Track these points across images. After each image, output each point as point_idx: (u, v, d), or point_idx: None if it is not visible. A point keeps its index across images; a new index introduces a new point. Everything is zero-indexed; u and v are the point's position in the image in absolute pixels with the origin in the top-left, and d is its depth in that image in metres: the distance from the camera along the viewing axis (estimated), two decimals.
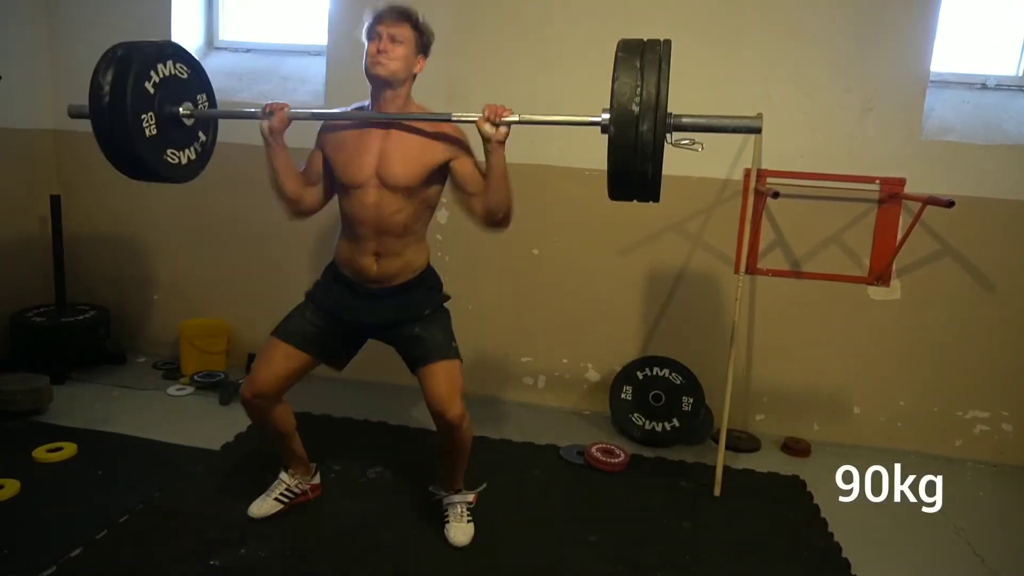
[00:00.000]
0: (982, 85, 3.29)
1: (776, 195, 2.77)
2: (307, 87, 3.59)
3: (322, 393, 3.21)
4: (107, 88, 1.91)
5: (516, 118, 2.00)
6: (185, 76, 2.14)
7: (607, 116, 1.75)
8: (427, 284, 2.27)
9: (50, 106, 3.75)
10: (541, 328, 3.53)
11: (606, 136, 1.76)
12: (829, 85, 3.11)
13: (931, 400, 3.28)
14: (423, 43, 2.11)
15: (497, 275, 3.51)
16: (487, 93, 3.28)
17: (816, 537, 2.51)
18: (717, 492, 2.73)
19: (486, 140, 2.03)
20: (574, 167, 3.34)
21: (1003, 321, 3.18)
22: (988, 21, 3.29)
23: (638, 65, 1.69)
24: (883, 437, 3.32)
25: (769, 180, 3.12)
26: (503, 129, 2.02)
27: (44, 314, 3.53)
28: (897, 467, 2.91)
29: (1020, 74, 3.28)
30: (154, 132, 2.02)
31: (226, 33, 3.87)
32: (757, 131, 1.88)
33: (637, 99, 1.67)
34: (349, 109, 2.20)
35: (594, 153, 3.33)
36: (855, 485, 2.86)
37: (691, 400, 3.22)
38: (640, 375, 3.30)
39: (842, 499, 2.79)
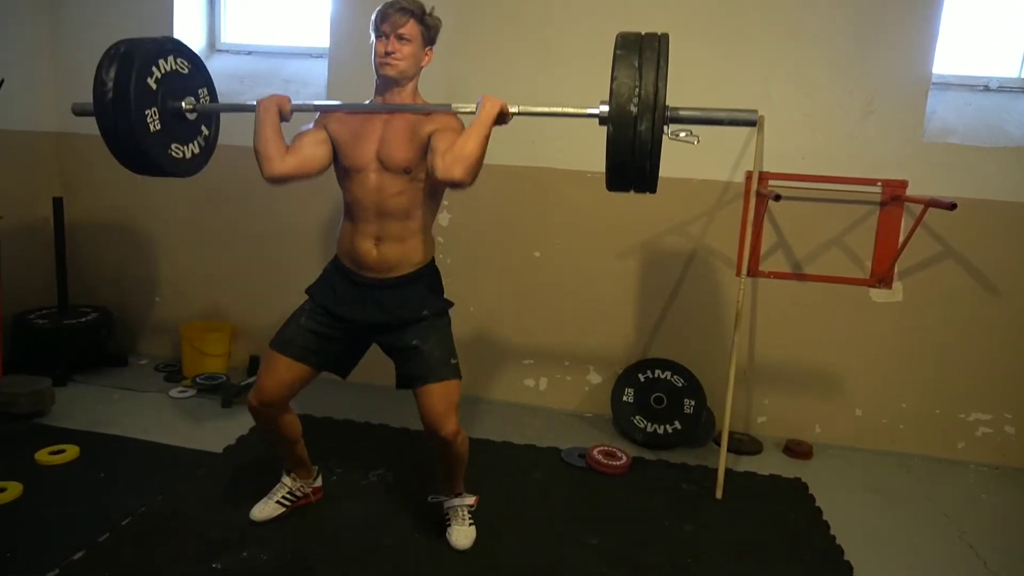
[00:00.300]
0: (984, 87, 3.28)
1: (778, 198, 2.77)
2: (309, 89, 3.59)
3: (324, 396, 3.21)
4: (110, 85, 1.93)
5: (516, 110, 2.01)
6: (186, 71, 2.16)
7: (605, 108, 1.76)
8: (427, 282, 2.23)
9: (52, 108, 3.76)
10: (542, 330, 3.53)
11: (604, 130, 1.77)
12: (830, 87, 3.11)
13: (933, 402, 3.28)
14: (430, 36, 2.12)
15: (498, 277, 3.51)
16: (487, 91, 3.30)
17: (818, 540, 2.50)
18: (719, 495, 2.73)
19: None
20: (575, 169, 3.34)
21: (1005, 323, 3.17)
22: (990, 23, 3.29)
23: (636, 62, 1.70)
24: (885, 439, 3.32)
25: (771, 182, 3.13)
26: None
27: (46, 316, 3.53)
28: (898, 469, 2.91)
29: (1022, 76, 3.28)
30: (158, 127, 2.03)
31: (228, 35, 3.87)
32: (753, 124, 1.86)
33: (636, 95, 1.68)
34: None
35: (595, 155, 3.32)
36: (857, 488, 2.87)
37: (693, 402, 3.22)
38: (642, 377, 3.30)
39: (844, 501, 2.79)
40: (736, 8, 3.12)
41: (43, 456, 2.64)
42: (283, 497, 2.39)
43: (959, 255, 3.15)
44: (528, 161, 3.38)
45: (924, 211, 2.88)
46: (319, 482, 2.52)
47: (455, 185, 1.99)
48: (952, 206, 2.66)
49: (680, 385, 3.26)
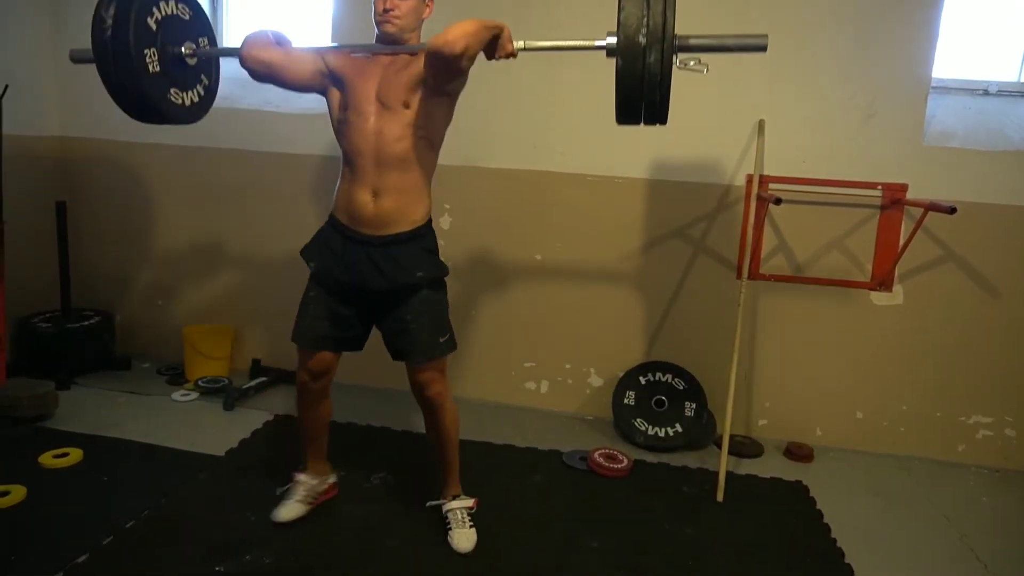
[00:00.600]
0: (984, 91, 3.29)
1: (778, 201, 2.78)
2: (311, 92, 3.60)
3: None
4: (110, 22, 1.91)
5: (521, 44, 1.97)
6: (187, 17, 2.15)
7: (613, 40, 1.74)
8: (424, 244, 2.21)
9: (55, 113, 3.77)
10: (544, 333, 3.53)
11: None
12: (831, 91, 3.12)
13: (934, 405, 3.28)
14: None
15: (499, 280, 3.52)
16: (489, 97, 3.32)
17: (819, 543, 2.51)
18: (720, 498, 2.74)
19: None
20: (576, 173, 3.35)
21: (1006, 326, 3.18)
22: (990, 27, 3.30)
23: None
24: (886, 442, 3.32)
25: (771, 186, 3.14)
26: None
27: (49, 320, 3.55)
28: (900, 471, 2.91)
29: (1022, 80, 3.28)
30: (157, 69, 2.01)
31: (231, 39, 3.88)
32: (763, 49, 1.82)
33: (644, 25, 1.66)
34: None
35: (596, 158, 3.37)
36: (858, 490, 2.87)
37: (694, 405, 3.22)
38: (643, 380, 3.31)
39: (845, 504, 2.79)
40: (738, 14, 3.12)
41: (47, 459, 2.65)
42: (304, 495, 2.41)
43: (959, 258, 3.16)
44: (529, 165, 3.39)
45: (924, 215, 2.89)
46: (334, 478, 2.55)
47: (449, 59, 1.90)
48: (952, 210, 2.67)
49: (681, 388, 3.27)
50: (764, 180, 3.14)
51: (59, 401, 3.10)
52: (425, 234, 2.23)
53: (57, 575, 2.03)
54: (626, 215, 3.35)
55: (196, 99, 2.23)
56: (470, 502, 2.40)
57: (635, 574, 2.25)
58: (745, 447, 3.22)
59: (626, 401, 3.29)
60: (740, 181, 3.24)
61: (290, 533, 2.33)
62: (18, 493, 2.40)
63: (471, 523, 2.35)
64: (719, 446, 2.87)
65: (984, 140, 3.13)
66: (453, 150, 3.37)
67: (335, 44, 2.25)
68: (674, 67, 1.74)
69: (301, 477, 2.44)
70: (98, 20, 1.93)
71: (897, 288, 3.22)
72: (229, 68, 3.83)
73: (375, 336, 2.40)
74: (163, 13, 2.04)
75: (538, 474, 2.88)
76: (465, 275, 3.47)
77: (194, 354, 3.59)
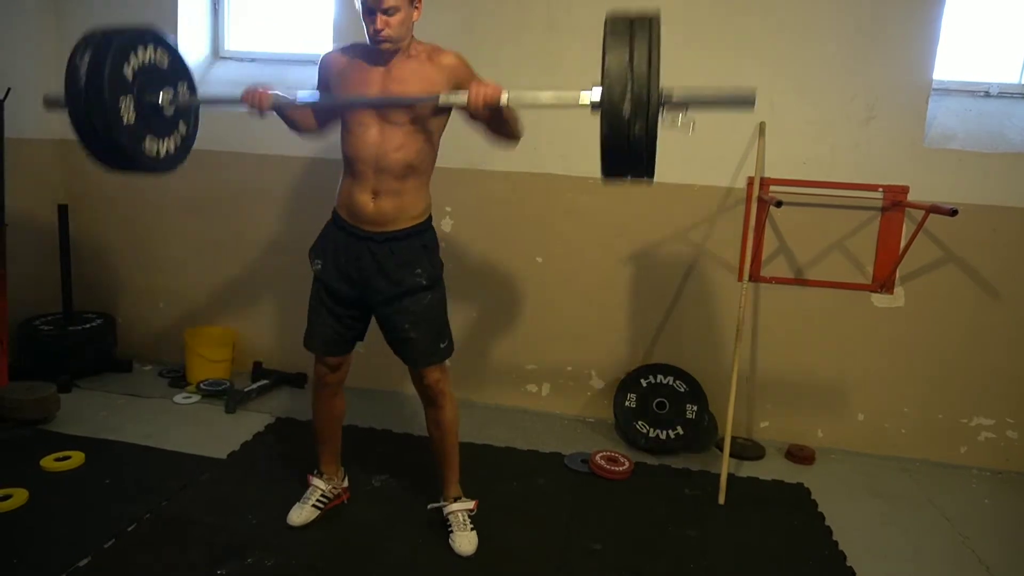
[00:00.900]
0: (985, 93, 3.29)
1: (779, 204, 2.79)
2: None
3: None
4: (83, 70, 1.84)
5: (507, 96, 1.96)
6: (165, 64, 2.09)
7: (598, 93, 1.69)
8: (423, 240, 2.25)
9: (57, 116, 3.75)
10: (545, 335, 3.54)
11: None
12: (832, 93, 3.12)
13: (935, 407, 3.28)
14: None
15: (501, 282, 3.52)
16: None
17: (821, 545, 2.51)
18: (722, 500, 2.74)
19: (476, 118, 2.05)
20: (577, 175, 3.36)
21: (1007, 328, 3.18)
22: (990, 29, 3.30)
23: (627, 51, 1.62)
24: (887, 444, 3.32)
25: (772, 188, 3.14)
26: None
27: (51, 323, 3.55)
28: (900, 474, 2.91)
29: (1022, 82, 3.28)
30: (132, 119, 1.94)
31: (232, 43, 3.89)
32: (751, 104, 1.76)
33: (628, 90, 1.60)
34: (347, 45, 2.22)
35: (597, 161, 3.36)
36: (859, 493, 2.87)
37: (695, 407, 3.22)
38: (644, 382, 3.31)
39: (846, 506, 2.79)
40: (739, 16, 3.13)
41: (48, 462, 2.65)
42: (318, 500, 2.43)
43: (960, 260, 3.16)
44: (530, 167, 3.39)
45: (925, 217, 2.89)
46: (347, 482, 2.57)
47: (494, 107, 1.98)
48: (953, 212, 2.67)
49: (682, 390, 3.27)
50: (765, 182, 3.14)
51: (61, 404, 3.10)
52: (424, 230, 2.26)
53: None
54: (627, 218, 3.36)
55: (172, 148, 2.15)
56: (471, 504, 2.40)
57: None
58: (746, 449, 3.22)
59: (627, 403, 3.29)
60: (741, 183, 3.24)
61: (292, 536, 2.33)
62: (20, 496, 2.40)
63: (472, 525, 2.35)
64: (720, 448, 2.87)
65: (985, 142, 3.13)
66: (454, 153, 3.38)
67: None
68: (661, 125, 1.70)
69: (316, 482, 2.46)
70: (71, 68, 1.86)
71: (898, 290, 3.22)
72: (230, 71, 3.86)
73: (374, 339, 2.41)
74: (140, 61, 1.98)
75: (540, 477, 2.88)
76: (466, 277, 3.47)
77: (195, 357, 3.59)
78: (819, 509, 2.76)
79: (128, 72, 1.94)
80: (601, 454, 2.99)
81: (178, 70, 2.16)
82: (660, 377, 3.31)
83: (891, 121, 3.10)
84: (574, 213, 3.39)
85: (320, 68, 2.22)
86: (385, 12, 2.00)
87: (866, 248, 3.20)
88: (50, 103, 2.02)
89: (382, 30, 2.01)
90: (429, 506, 2.44)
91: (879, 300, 3.24)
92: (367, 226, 2.19)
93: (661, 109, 1.65)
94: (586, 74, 3.20)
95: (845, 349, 3.30)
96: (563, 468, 2.97)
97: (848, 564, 2.39)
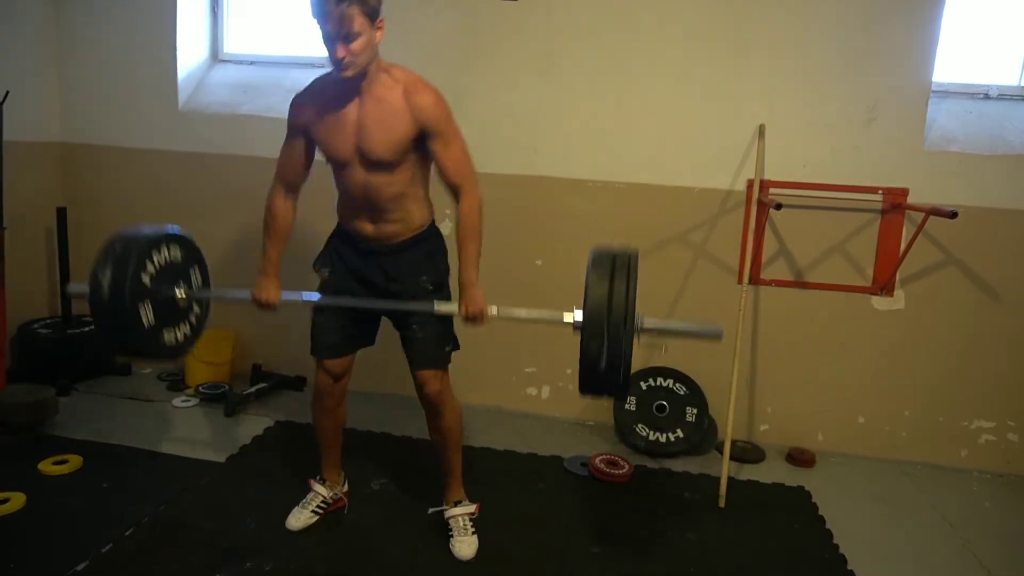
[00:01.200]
0: (984, 95, 3.29)
1: (779, 207, 2.79)
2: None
3: None
4: (107, 287, 1.92)
5: (495, 311, 2.12)
6: (180, 257, 2.16)
7: (580, 317, 1.89)
8: (428, 247, 2.25)
9: (57, 119, 3.78)
10: (544, 338, 3.52)
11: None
12: (831, 95, 3.12)
13: (936, 410, 3.28)
14: (374, 9, 1.95)
15: (500, 285, 3.50)
16: (489, 102, 3.32)
17: (821, 549, 2.50)
18: (722, 503, 2.73)
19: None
20: (576, 178, 3.35)
21: (1007, 330, 3.17)
22: (990, 31, 3.30)
23: (607, 284, 1.88)
24: (888, 447, 3.31)
25: (772, 191, 3.13)
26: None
27: (50, 326, 3.55)
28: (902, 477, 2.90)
29: (1022, 84, 3.28)
30: (152, 321, 2.03)
31: (231, 46, 3.89)
32: (719, 338, 2.00)
33: (606, 321, 1.81)
34: (316, 81, 2.18)
35: (596, 164, 3.37)
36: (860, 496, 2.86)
37: (695, 411, 3.22)
38: (644, 386, 3.30)
39: (847, 510, 2.79)
40: (739, 19, 3.13)
41: (46, 466, 2.64)
42: (317, 506, 2.43)
43: (961, 263, 3.15)
44: (530, 170, 3.39)
45: (925, 219, 2.89)
46: (347, 486, 2.56)
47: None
48: (953, 215, 2.67)
49: (682, 393, 3.27)
50: (765, 185, 3.14)
51: (59, 407, 3.09)
52: (427, 237, 2.27)
53: None
54: (626, 220, 3.35)
55: (188, 332, 2.21)
56: (472, 508, 2.39)
57: None
58: (747, 452, 3.21)
59: (627, 406, 3.28)
60: (741, 186, 3.23)
61: (291, 540, 2.32)
62: (17, 500, 2.39)
63: (473, 530, 2.35)
64: (720, 451, 2.86)
65: (985, 144, 3.12)
66: None
67: (316, 296, 2.29)
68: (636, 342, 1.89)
69: (318, 488, 2.46)
70: (94, 283, 1.93)
71: (898, 293, 3.21)
72: (229, 74, 3.86)
73: (374, 343, 2.41)
74: (157, 265, 2.04)
75: (540, 480, 2.87)
76: None
77: (194, 360, 3.58)
78: (820, 512, 2.75)
79: (147, 279, 2.01)
80: (601, 457, 2.98)
81: (191, 256, 2.23)
82: (660, 380, 3.30)
83: (891, 123, 3.10)
84: (573, 216, 3.38)
85: (292, 114, 2.17)
86: (345, 40, 1.92)
87: (866, 251, 3.20)
88: (72, 294, 2.13)
89: (344, 58, 1.94)
90: (430, 510, 2.44)
91: (879, 303, 3.24)
92: (370, 242, 2.22)
93: (636, 335, 1.87)
94: (586, 73, 3.26)
95: (845, 352, 3.30)
96: (563, 471, 2.96)
97: (849, 568, 2.38)
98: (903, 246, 3.09)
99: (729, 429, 2.79)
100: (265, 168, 3.82)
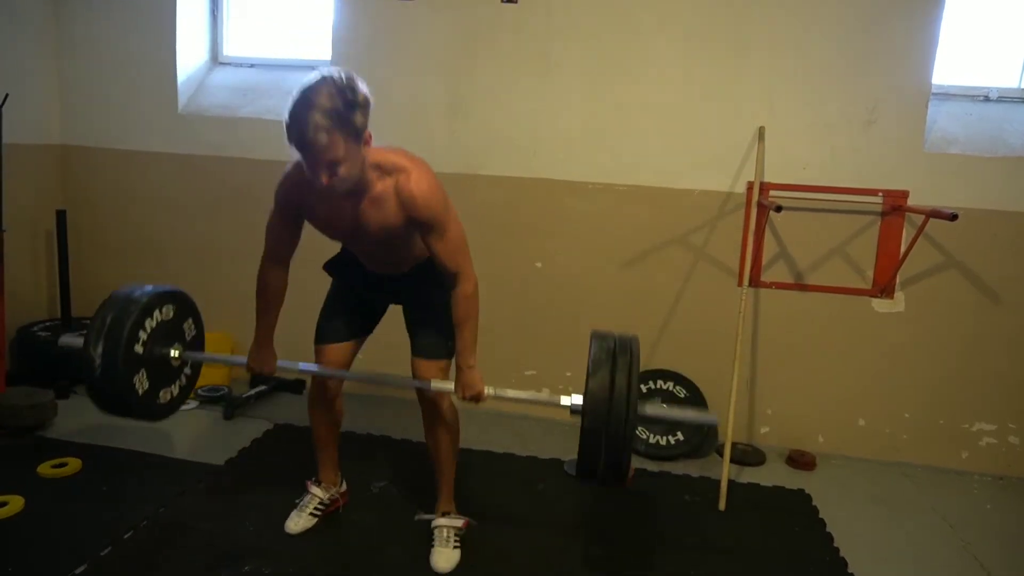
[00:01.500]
0: (984, 97, 3.29)
1: (779, 209, 2.78)
2: None
3: None
4: (98, 362, 1.92)
5: (492, 392, 2.13)
6: (172, 315, 2.13)
7: (579, 401, 1.91)
8: (434, 277, 2.14)
9: (56, 122, 3.78)
10: (544, 341, 3.52)
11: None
12: (831, 97, 3.12)
13: (936, 412, 3.27)
14: (358, 130, 1.78)
15: (500, 288, 3.51)
16: (489, 104, 3.32)
17: (822, 552, 2.49)
18: (722, 506, 2.72)
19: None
20: (576, 180, 3.35)
21: (1008, 332, 3.17)
22: (990, 33, 3.30)
23: (610, 371, 1.86)
24: (888, 450, 3.31)
25: (772, 193, 3.13)
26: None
27: (49, 328, 3.54)
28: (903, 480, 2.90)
29: (1022, 86, 3.28)
30: (146, 387, 2.04)
31: (230, 48, 3.89)
32: (715, 426, 2.08)
33: (608, 409, 1.82)
34: (290, 167, 2.05)
35: (596, 166, 3.37)
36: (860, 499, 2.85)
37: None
38: (644, 388, 3.30)
39: (848, 512, 2.78)
40: (739, 21, 3.13)
41: (45, 469, 2.63)
42: (315, 508, 2.42)
43: (961, 265, 3.15)
44: (529, 172, 3.39)
45: (925, 221, 2.88)
46: (344, 486, 2.55)
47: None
48: (953, 217, 2.66)
49: (682, 396, 3.26)
50: (765, 187, 3.14)
51: (58, 410, 3.09)
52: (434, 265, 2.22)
53: None
54: (626, 223, 3.35)
55: (176, 391, 2.22)
56: (459, 522, 2.33)
57: None
58: (747, 455, 3.21)
59: None
60: (740, 188, 3.23)
61: (290, 543, 2.32)
62: (16, 503, 2.39)
63: (456, 544, 2.28)
64: (721, 454, 2.86)
65: (985, 146, 3.12)
66: (453, 158, 3.39)
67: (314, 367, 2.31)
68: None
69: (315, 490, 2.45)
70: (87, 360, 1.93)
71: (899, 295, 3.21)
72: (228, 77, 3.85)
73: (373, 345, 2.41)
74: (148, 330, 2.02)
75: (540, 483, 2.87)
76: None
77: None
78: (820, 515, 2.75)
79: (139, 348, 2.00)
80: None
81: (184, 311, 2.21)
82: (660, 382, 3.30)
83: (891, 125, 3.10)
84: (574, 218, 3.38)
85: (283, 194, 2.06)
86: (329, 168, 1.77)
87: (866, 253, 3.19)
88: (65, 346, 2.16)
89: (331, 181, 1.79)
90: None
91: (879, 305, 3.23)
92: (377, 272, 2.27)
93: (636, 421, 1.86)
94: (585, 74, 3.26)
95: (846, 354, 3.29)
96: (563, 474, 2.96)
97: (850, 571, 2.37)
98: (903, 248, 3.09)
99: (729, 431, 2.79)
100: (265, 170, 3.83)
